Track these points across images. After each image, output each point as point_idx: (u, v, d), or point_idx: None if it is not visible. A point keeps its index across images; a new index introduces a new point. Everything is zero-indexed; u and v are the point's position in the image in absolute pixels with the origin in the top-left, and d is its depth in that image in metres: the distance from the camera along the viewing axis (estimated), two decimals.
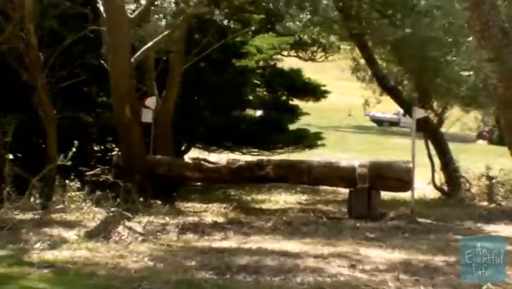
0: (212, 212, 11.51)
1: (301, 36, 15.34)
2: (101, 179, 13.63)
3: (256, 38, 15.74)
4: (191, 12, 12.17)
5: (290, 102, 17.66)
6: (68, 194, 10.58)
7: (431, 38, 13.16)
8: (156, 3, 12.37)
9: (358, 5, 13.84)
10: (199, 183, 14.41)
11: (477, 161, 14.77)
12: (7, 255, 8.10)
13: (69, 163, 10.66)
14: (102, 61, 12.01)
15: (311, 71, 18.76)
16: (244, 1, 13.28)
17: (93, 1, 11.74)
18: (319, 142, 16.84)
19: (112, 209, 10.37)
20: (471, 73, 12.93)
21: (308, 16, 14.03)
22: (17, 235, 9.02)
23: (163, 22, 12.55)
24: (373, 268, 7.70)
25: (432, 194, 14.58)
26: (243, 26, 14.13)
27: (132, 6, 12.16)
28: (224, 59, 15.06)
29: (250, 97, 16.42)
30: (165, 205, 11.31)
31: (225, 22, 13.50)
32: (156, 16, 12.65)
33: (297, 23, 14.24)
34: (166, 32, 12.22)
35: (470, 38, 9.93)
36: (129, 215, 10.09)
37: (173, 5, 12.54)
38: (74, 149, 10.52)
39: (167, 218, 10.42)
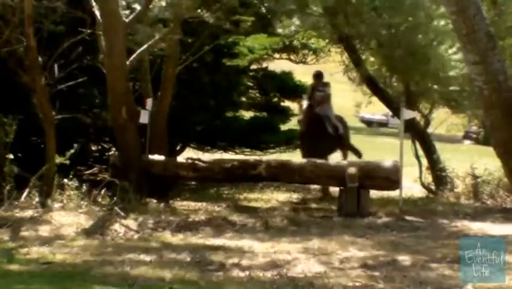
0: (205, 211, 11.52)
1: (292, 40, 15.42)
2: (98, 178, 13.71)
3: (248, 38, 15.83)
4: (183, 15, 12.38)
5: (282, 104, 17.80)
6: (67, 192, 10.65)
7: (417, 35, 13.31)
8: (150, 7, 12.55)
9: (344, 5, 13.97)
10: (193, 182, 14.46)
11: (463, 160, 14.82)
12: (7, 252, 8.30)
13: (68, 162, 10.86)
14: (99, 64, 12.20)
15: (301, 73, 18.84)
16: (235, 5, 13.40)
17: (90, 5, 11.95)
18: None
19: (109, 207, 10.55)
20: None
21: (297, 21, 14.14)
22: (16, 232, 9.22)
23: (157, 26, 12.73)
24: (362, 265, 7.85)
25: (420, 192, 14.53)
26: (234, 27, 14.28)
27: (127, 12, 12.37)
28: (217, 60, 15.21)
29: (243, 98, 16.63)
30: (161, 203, 11.38)
31: (217, 23, 13.63)
32: (150, 20, 12.83)
33: (287, 27, 14.35)
34: (160, 36, 12.44)
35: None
36: (125, 213, 10.26)
37: (166, 11, 12.73)
38: (73, 150, 10.71)
39: (162, 216, 10.49)
